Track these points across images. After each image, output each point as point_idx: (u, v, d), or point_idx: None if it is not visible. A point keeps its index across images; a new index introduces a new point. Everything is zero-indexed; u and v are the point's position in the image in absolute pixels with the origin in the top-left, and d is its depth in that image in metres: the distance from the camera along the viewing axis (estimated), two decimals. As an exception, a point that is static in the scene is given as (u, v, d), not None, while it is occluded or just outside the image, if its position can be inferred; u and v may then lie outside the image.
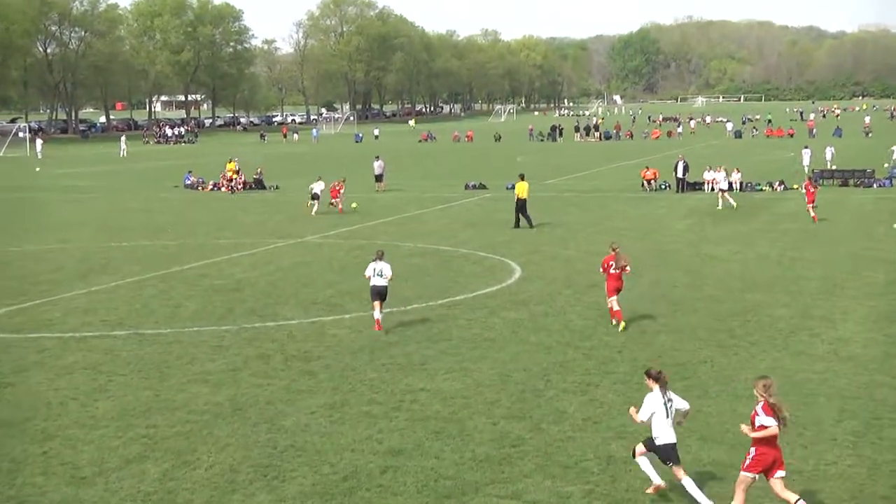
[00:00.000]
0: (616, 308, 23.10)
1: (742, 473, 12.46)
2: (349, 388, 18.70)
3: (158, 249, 37.32)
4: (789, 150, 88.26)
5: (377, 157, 61.33)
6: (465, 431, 16.08)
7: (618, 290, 23.20)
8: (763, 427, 12.19)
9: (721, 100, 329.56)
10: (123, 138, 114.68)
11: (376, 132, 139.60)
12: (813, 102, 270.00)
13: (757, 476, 12.37)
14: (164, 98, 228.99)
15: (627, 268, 23.34)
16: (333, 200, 49.49)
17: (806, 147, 68.97)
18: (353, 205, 49.57)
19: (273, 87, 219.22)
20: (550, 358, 20.65)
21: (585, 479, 13.93)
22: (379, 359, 20.83)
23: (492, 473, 14.21)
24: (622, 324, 22.95)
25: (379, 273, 23.26)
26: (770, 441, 12.28)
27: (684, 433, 15.60)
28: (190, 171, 67.06)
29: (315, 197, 48.74)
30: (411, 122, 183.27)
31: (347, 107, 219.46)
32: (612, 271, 23.25)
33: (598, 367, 19.81)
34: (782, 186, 55.99)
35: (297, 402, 17.79)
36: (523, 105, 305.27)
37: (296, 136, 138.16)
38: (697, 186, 56.61)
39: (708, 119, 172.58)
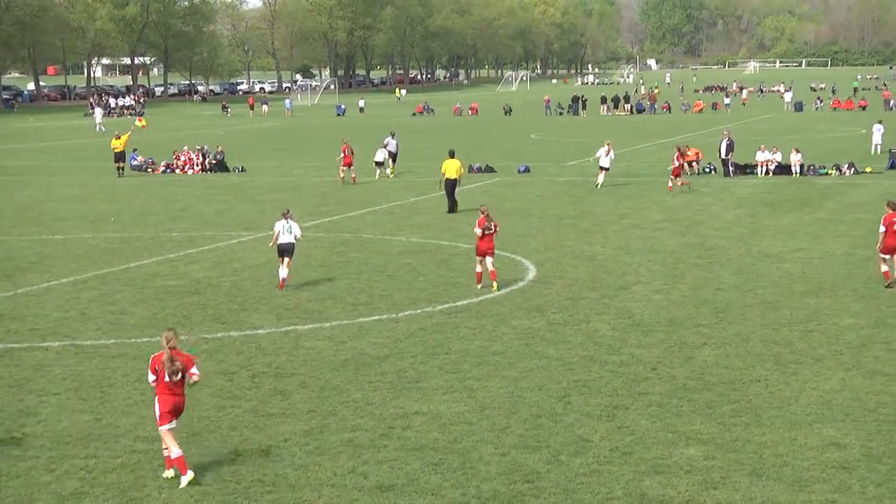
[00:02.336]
0: (491, 269, 28.30)
1: None
2: (329, 412, 18.72)
3: (100, 244, 37.37)
4: (861, 126, 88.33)
5: (392, 134, 61.13)
6: (468, 464, 16.12)
7: (486, 253, 28.35)
8: None
9: (778, 65, 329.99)
10: (98, 110, 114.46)
11: (361, 103, 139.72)
12: (891, 68, 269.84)
13: None
14: (105, 61, 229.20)
15: (496, 225, 28.61)
16: (344, 169, 53.84)
17: (879, 122, 68.95)
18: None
19: (238, 48, 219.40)
20: (571, 376, 20.69)
21: (613, 521, 13.97)
22: (365, 375, 20.89)
23: (501, 514, 14.25)
24: (495, 284, 28.24)
25: (288, 230, 28.62)
26: None
27: (731, 467, 15.66)
28: (136, 150, 67.08)
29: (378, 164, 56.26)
30: (402, 92, 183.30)
31: (327, 73, 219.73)
32: (480, 233, 28.30)
33: (627, 387, 19.85)
34: (852, 170, 56.02)
35: (266, 429, 17.81)
36: (539, 72, 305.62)
37: (265, 107, 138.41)
38: (749, 170, 56.66)
39: (764, 89, 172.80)
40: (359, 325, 24.98)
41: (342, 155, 54.33)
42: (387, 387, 20.17)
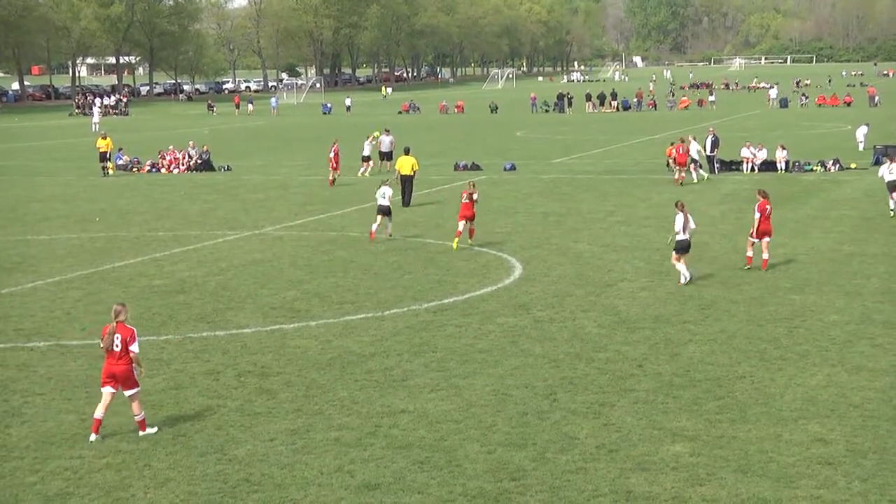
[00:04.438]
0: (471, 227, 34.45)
1: None
2: (315, 410, 18.71)
3: (84, 243, 37.28)
4: (846, 122, 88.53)
5: (387, 131, 60.93)
6: (454, 461, 16.12)
7: (469, 218, 34.40)
8: None
9: (763, 62, 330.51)
10: (97, 109, 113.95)
11: (348, 102, 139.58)
12: (875, 64, 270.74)
13: None
14: (90, 61, 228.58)
15: (475, 195, 34.46)
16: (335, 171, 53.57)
17: (865, 124, 68.89)
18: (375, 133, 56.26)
19: (223, 47, 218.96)
20: (557, 373, 20.70)
21: (600, 518, 13.98)
22: (351, 374, 20.88)
23: (487, 512, 14.24)
24: (455, 241, 33.92)
25: (382, 195, 35.85)
26: None
27: (717, 463, 15.69)
28: (122, 150, 66.95)
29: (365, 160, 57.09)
30: (388, 90, 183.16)
31: (313, 71, 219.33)
32: (464, 200, 34.34)
33: (614, 384, 19.87)
34: (837, 166, 56.19)
35: (252, 428, 17.79)
36: (525, 69, 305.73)
37: (251, 106, 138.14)
38: (734, 166, 56.77)
39: (754, 82, 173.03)
40: (345, 324, 24.96)
41: (332, 155, 53.82)
42: (373, 385, 20.16)
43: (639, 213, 42.11)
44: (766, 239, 30.12)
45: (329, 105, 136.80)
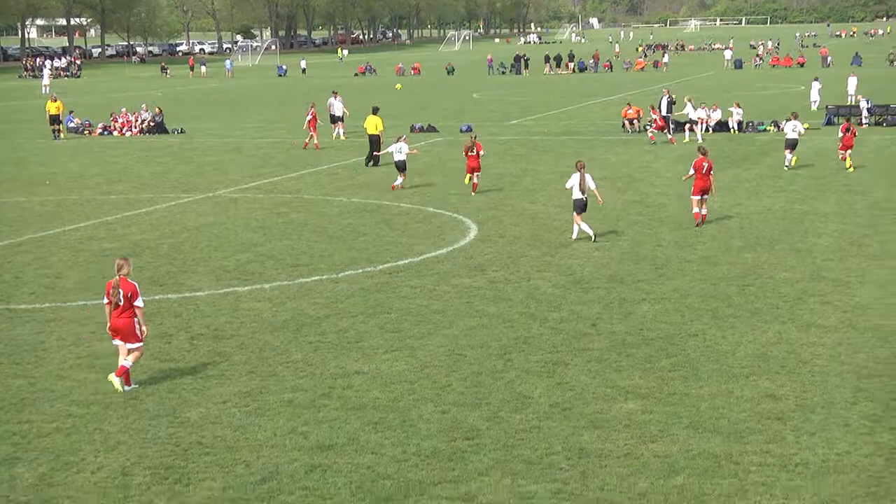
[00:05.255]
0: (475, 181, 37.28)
1: None
2: (269, 372, 18.68)
3: (35, 207, 36.95)
4: (800, 83, 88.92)
5: (335, 94, 59.89)
6: (408, 422, 16.14)
7: (474, 169, 37.14)
8: None
9: (718, 23, 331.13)
10: (46, 71, 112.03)
11: (303, 64, 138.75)
12: (828, 25, 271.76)
13: None
14: (40, 22, 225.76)
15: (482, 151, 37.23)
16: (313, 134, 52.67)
17: (816, 79, 69.37)
18: (398, 85, 56.14)
19: (177, 8, 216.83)
20: (511, 333, 20.75)
21: (552, 476, 14.04)
22: (305, 336, 20.84)
23: (440, 471, 14.28)
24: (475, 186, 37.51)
25: (399, 150, 38.18)
26: None
27: (669, 420, 15.79)
28: (72, 113, 66.30)
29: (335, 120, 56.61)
30: (344, 52, 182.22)
31: (268, 33, 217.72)
32: (470, 153, 36.92)
33: (568, 344, 19.94)
34: (801, 128, 56.21)
35: (205, 391, 17.74)
36: (481, 31, 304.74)
37: (204, 68, 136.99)
38: (685, 126, 56.83)
39: (717, 45, 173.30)
40: (299, 286, 24.89)
41: (309, 118, 53.14)
42: (327, 347, 20.13)
43: (594, 174, 41.83)
44: (706, 196, 30.72)
45: (284, 67, 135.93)
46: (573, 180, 28.55)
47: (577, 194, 28.55)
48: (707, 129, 55.88)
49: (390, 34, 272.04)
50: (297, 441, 15.47)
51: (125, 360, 17.76)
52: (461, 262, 27.06)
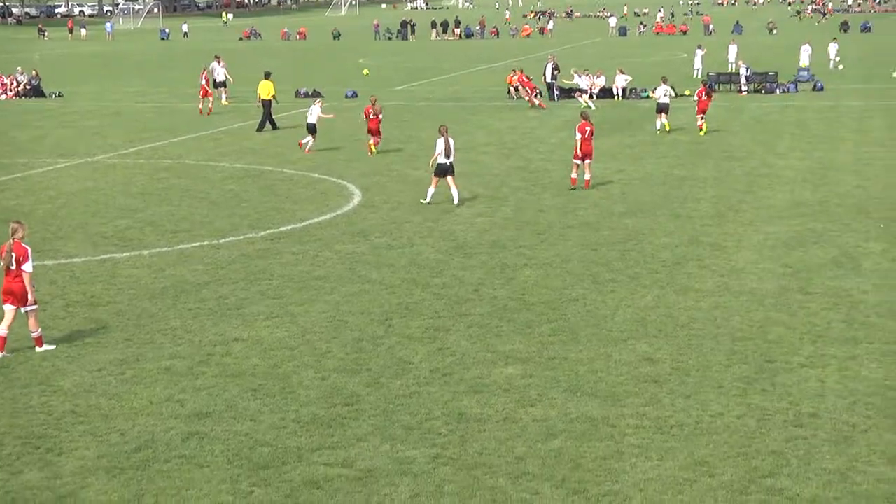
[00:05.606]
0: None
1: None
2: (146, 340, 18.44)
3: None
4: (682, 51, 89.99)
5: (217, 58, 58.73)
6: (288, 388, 16.05)
7: (372, 132, 37.99)
8: None
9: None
10: None
11: (185, 27, 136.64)
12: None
13: None
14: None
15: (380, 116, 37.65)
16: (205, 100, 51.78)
17: (699, 47, 70.32)
18: (365, 71, 56.06)
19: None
20: (393, 299, 20.73)
21: (431, 441, 14.07)
22: (184, 303, 20.61)
23: (319, 438, 14.24)
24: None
25: (311, 113, 39.05)
26: None
27: (548, 384, 15.92)
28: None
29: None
30: (229, 16, 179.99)
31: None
32: (371, 116, 37.72)
33: (449, 309, 19.98)
34: (673, 93, 56.94)
35: (79, 358, 17.46)
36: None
37: (84, 31, 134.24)
38: (574, 93, 57.24)
39: (602, 12, 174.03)
40: (179, 252, 24.58)
41: (203, 82, 52.55)
42: (206, 314, 19.93)
43: (479, 140, 42.25)
44: (588, 161, 31.12)
45: (167, 31, 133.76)
46: (440, 145, 28.71)
47: (442, 159, 28.78)
48: (592, 96, 56.29)
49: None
50: (173, 409, 15.29)
51: (34, 331, 17.79)
52: (344, 227, 26.95)
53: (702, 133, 42.10)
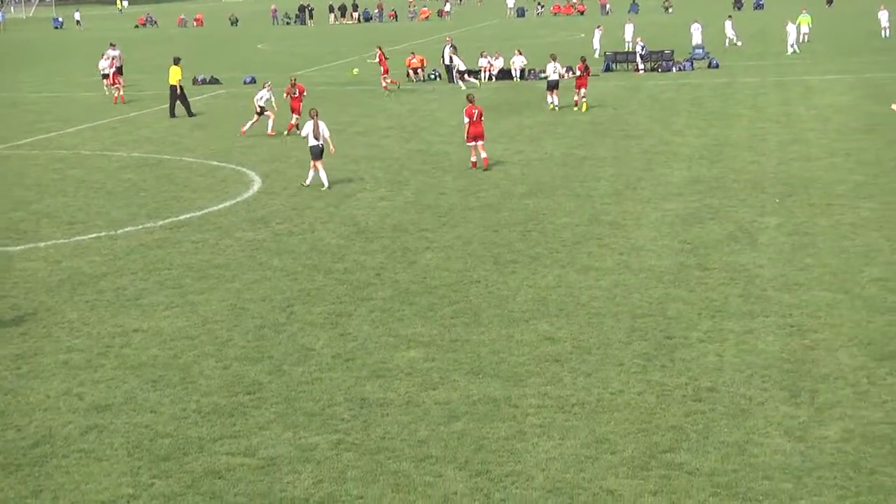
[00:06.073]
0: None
1: None
2: (43, 333, 18.14)
3: None
4: (580, 31, 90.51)
5: (112, 45, 57.74)
6: (188, 378, 15.89)
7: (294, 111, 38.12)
8: None
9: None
10: None
11: (77, 16, 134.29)
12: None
13: None
14: None
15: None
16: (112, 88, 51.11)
17: (598, 26, 70.85)
18: (355, 70, 53.64)
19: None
20: (295, 285, 20.61)
21: (334, 427, 14.02)
22: (82, 295, 20.30)
23: (221, 427, 14.11)
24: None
25: (260, 97, 38.05)
26: None
27: (450, 366, 15.94)
28: None
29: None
30: (124, 4, 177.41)
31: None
32: (293, 95, 38.20)
33: (351, 294, 19.91)
34: (570, 73, 57.26)
35: (-26, 355, 17.11)
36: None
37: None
38: (472, 75, 57.31)
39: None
40: (75, 244, 24.20)
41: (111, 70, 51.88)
42: (104, 305, 19.64)
43: (379, 124, 42.14)
44: (480, 142, 31.43)
45: (60, 19, 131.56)
46: (307, 128, 29.13)
47: (311, 141, 29.09)
48: (490, 78, 56.43)
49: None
50: (71, 402, 15.06)
51: None
52: (244, 215, 26.73)
53: (576, 109, 43.50)
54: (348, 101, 49.19)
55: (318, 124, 28.94)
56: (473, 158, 31.43)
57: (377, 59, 52.97)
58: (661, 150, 33.98)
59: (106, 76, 53.75)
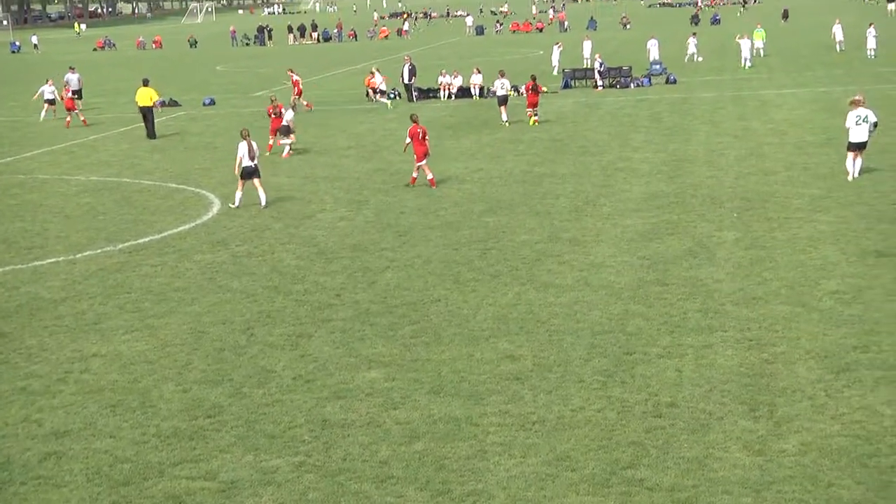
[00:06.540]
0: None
1: None
2: (1, 360, 18.02)
3: None
4: (539, 48, 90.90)
5: (72, 69, 58.19)
6: (148, 403, 15.82)
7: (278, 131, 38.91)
8: None
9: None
10: None
11: (34, 39, 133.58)
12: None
13: None
14: None
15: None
16: (68, 113, 50.57)
17: (557, 43, 71.18)
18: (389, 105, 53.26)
19: None
20: (255, 307, 20.56)
21: (295, 449, 13.99)
22: (40, 321, 20.17)
23: (181, 451, 14.05)
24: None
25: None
26: None
27: (411, 386, 15.93)
28: None
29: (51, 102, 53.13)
30: (82, 27, 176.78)
31: (0, 8, 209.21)
32: (274, 116, 38.59)
33: (311, 315, 19.88)
34: (517, 92, 57.44)
35: (-69, 383, 16.96)
36: (224, 3, 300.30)
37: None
38: (432, 94, 57.45)
39: (459, 12, 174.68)
40: (33, 269, 24.05)
41: (66, 97, 51.70)
42: (63, 330, 19.53)
43: (339, 144, 42.13)
44: (424, 161, 31.72)
45: (17, 43, 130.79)
46: (242, 149, 29.34)
47: (246, 162, 29.37)
48: (450, 96, 56.55)
49: (130, 7, 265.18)
50: (30, 429, 14.97)
51: None
52: (204, 237, 26.65)
53: (531, 123, 44.38)
54: (307, 121, 49.10)
55: (251, 144, 29.28)
56: (415, 174, 31.81)
57: (291, 82, 53.71)
58: (620, 167, 34.13)
59: (51, 102, 53.35)
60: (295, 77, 54.02)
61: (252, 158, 29.25)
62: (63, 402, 16.00)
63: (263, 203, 29.44)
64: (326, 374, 16.76)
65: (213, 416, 15.25)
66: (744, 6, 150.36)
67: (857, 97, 30.66)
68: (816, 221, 25.38)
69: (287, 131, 39.42)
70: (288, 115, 39.80)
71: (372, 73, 59.44)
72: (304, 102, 52.58)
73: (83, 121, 50.52)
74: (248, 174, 29.43)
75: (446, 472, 13.13)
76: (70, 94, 52.63)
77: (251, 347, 18.23)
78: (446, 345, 17.92)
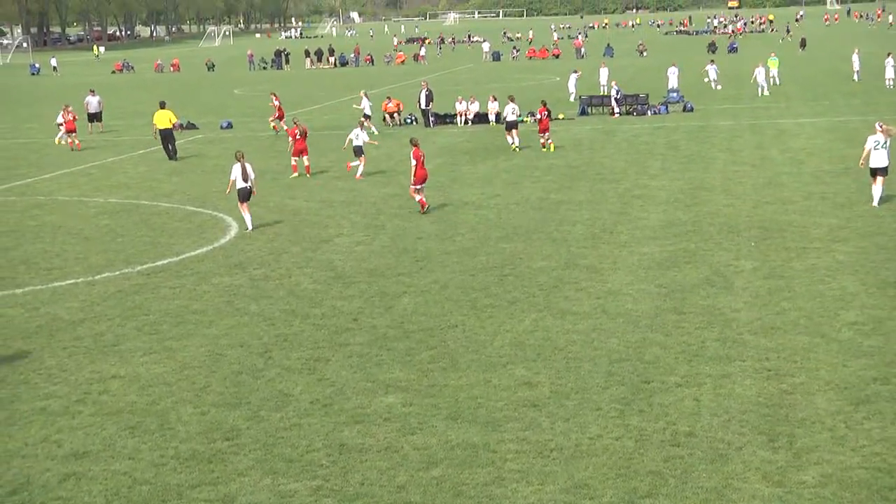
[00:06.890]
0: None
1: None
2: (20, 380, 18.08)
3: None
4: (555, 74, 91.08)
5: (92, 91, 59.12)
6: (166, 425, 15.86)
7: (302, 152, 39.60)
8: None
9: (477, 16, 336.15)
10: None
11: (53, 62, 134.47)
12: (581, 17, 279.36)
13: None
14: None
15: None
16: (68, 135, 50.63)
17: (574, 70, 71.35)
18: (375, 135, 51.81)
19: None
20: (273, 331, 20.61)
21: (312, 473, 14.01)
22: (60, 342, 20.25)
23: (199, 474, 14.08)
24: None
25: (356, 136, 37.31)
26: None
27: (428, 412, 15.95)
28: None
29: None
30: (101, 50, 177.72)
31: (20, 31, 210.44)
32: (298, 137, 39.14)
33: (329, 339, 19.92)
34: (532, 117, 57.57)
35: (-49, 402, 17.03)
36: (242, 26, 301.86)
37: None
38: (449, 119, 57.60)
39: (476, 38, 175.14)
40: (53, 290, 24.16)
41: (68, 118, 51.90)
42: (83, 352, 19.60)
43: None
44: (423, 185, 32.05)
45: (37, 65, 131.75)
46: (236, 171, 29.69)
47: (240, 184, 29.71)
48: (466, 122, 56.71)
49: (149, 30, 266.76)
50: (50, 449, 15.01)
51: None
52: (221, 260, 26.74)
53: (544, 150, 44.70)
54: (325, 146, 49.27)
55: (245, 166, 29.58)
56: (418, 197, 32.09)
57: (273, 104, 54.22)
58: (637, 194, 34.14)
59: (93, 118, 54.24)
60: (276, 102, 54.61)
61: (245, 180, 29.61)
62: (82, 423, 16.05)
63: (250, 227, 29.91)
64: (344, 399, 16.78)
65: (231, 438, 15.29)
66: (787, 33, 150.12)
67: (883, 125, 30.61)
68: (835, 251, 25.35)
69: (359, 152, 39.60)
70: (363, 136, 40.00)
71: (388, 98, 59.71)
72: (273, 125, 53.48)
73: (77, 144, 50.74)
74: (244, 196, 29.76)
75: (464, 498, 13.13)
76: (73, 117, 52.44)
77: (269, 371, 18.27)
78: (463, 371, 17.94)
